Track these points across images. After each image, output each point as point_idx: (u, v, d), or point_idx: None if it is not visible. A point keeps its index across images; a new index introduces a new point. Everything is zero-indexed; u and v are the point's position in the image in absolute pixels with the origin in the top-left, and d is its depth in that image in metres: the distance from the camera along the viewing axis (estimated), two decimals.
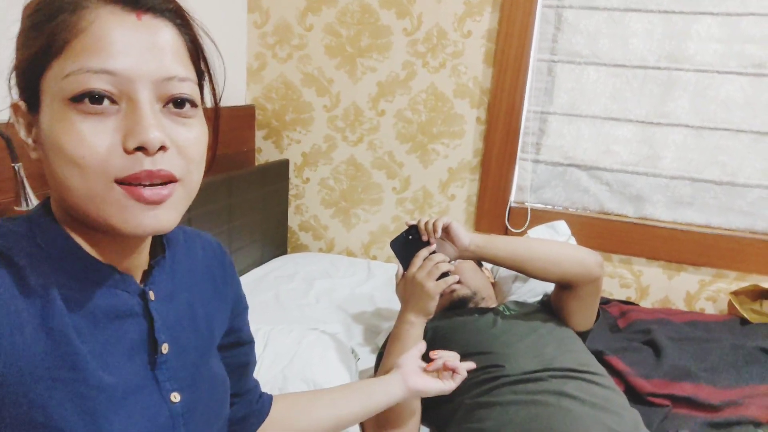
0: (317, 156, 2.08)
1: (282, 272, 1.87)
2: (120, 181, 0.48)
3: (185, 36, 0.53)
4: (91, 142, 0.47)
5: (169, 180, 0.50)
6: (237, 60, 2.03)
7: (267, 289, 1.72)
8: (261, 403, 0.82)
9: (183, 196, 0.52)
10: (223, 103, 0.60)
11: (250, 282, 1.78)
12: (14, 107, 0.52)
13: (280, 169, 2.04)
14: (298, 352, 1.22)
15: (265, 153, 2.13)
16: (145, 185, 0.49)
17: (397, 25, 1.90)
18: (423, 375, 0.97)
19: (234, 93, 2.03)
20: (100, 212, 0.49)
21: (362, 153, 2.03)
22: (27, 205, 1.06)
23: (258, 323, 1.38)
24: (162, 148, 0.49)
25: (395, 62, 1.93)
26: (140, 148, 0.48)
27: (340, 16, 1.94)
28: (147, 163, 0.48)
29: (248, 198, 1.82)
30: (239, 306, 0.76)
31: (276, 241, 2.07)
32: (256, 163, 2.13)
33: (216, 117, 0.60)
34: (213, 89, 0.58)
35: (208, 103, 0.59)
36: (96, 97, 0.47)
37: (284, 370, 1.17)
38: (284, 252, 2.13)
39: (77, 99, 0.47)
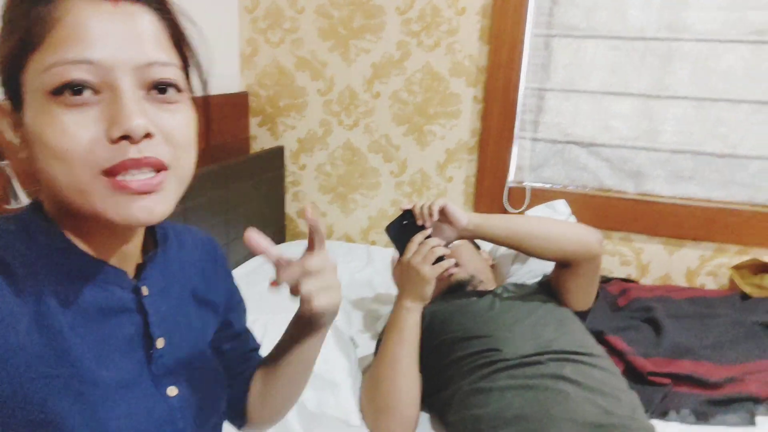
0: (313, 142, 2.06)
1: None
2: (107, 172, 0.47)
3: (165, 21, 0.51)
4: (73, 134, 0.46)
5: (157, 167, 0.49)
6: (229, 46, 2.00)
7: (265, 278, 1.69)
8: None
9: (175, 183, 0.51)
10: (217, 91, 0.59)
11: (249, 272, 1.78)
12: (1, 110, 0.51)
13: (276, 156, 2.03)
14: None
15: (260, 140, 2.11)
16: (132, 175, 0.48)
17: (389, 4, 1.86)
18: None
19: (227, 80, 2.00)
20: (89, 204, 0.48)
21: (358, 137, 2.01)
22: (16, 202, 1.05)
23: (256, 313, 1.38)
24: (147, 135, 0.48)
25: (389, 42, 1.90)
26: (125, 137, 0.47)
27: None
28: (132, 152, 0.47)
29: (244, 187, 1.81)
30: (232, 300, 0.76)
31: (274, 229, 2.06)
32: (251, 151, 2.12)
33: (206, 103, 0.59)
34: (199, 74, 0.57)
35: (199, 91, 0.57)
36: (76, 88, 0.46)
37: None
38: (282, 240, 2.13)
39: (58, 91, 0.46)
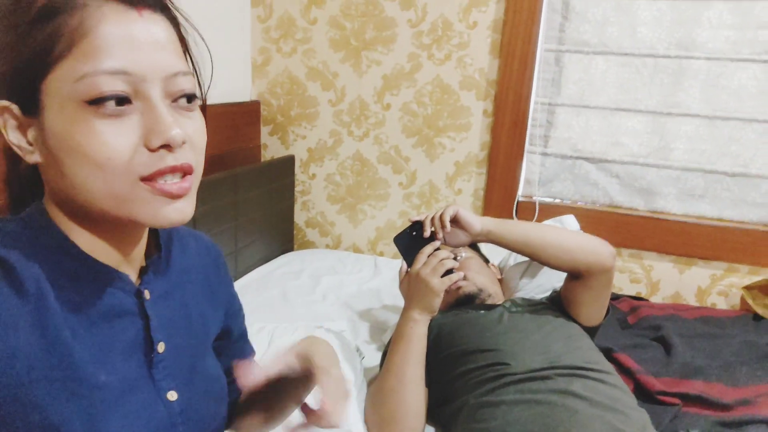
0: (323, 151, 2.07)
1: (288, 269, 1.86)
2: (145, 178, 0.49)
3: (176, 28, 0.53)
4: (115, 145, 0.47)
5: (188, 172, 0.51)
6: (241, 55, 2.02)
7: (273, 286, 1.72)
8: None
9: (196, 185, 0.54)
10: (228, 99, 0.60)
11: (257, 279, 1.78)
12: (1, 110, 0.50)
13: (286, 165, 2.03)
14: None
15: (271, 149, 2.12)
16: (166, 180, 0.50)
17: (401, 16, 1.88)
18: None
19: (239, 89, 2.02)
20: (123, 210, 0.50)
21: (368, 148, 2.02)
22: None
23: (264, 321, 1.38)
24: (183, 143, 0.50)
25: (400, 55, 1.91)
26: (163, 146, 0.49)
27: (344, 9, 1.92)
28: (170, 159, 0.49)
29: (254, 195, 1.82)
30: (233, 307, 0.76)
31: (282, 237, 2.06)
32: (262, 159, 2.12)
33: (203, 108, 0.60)
34: (198, 81, 0.58)
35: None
36: (114, 99, 0.47)
37: None
38: (291, 249, 2.13)
39: (95, 102, 0.46)
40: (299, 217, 2.16)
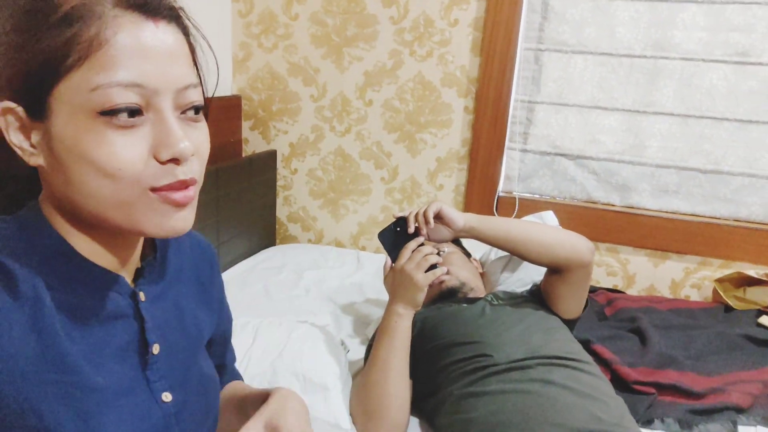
0: (305, 146, 2.07)
1: (271, 264, 1.86)
2: (154, 189, 0.49)
3: (186, 39, 0.53)
4: (126, 156, 0.47)
5: (193, 184, 0.52)
6: (222, 50, 2.01)
7: (256, 281, 1.72)
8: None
9: (197, 195, 0.54)
10: (208, 93, 0.61)
11: (239, 274, 1.77)
12: (4, 110, 0.49)
13: (268, 159, 2.03)
14: (287, 345, 1.22)
15: (252, 143, 2.11)
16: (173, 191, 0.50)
17: (383, 13, 1.89)
18: None
19: (219, 83, 2.01)
20: (129, 219, 0.50)
21: (350, 143, 2.03)
22: None
23: (247, 316, 1.38)
24: (191, 155, 0.51)
25: (382, 51, 1.92)
26: (172, 159, 0.49)
27: (325, 5, 1.92)
28: (179, 173, 0.50)
29: (236, 189, 1.81)
30: (224, 313, 0.77)
31: (264, 232, 2.06)
32: (243, 154, 2.12)
33: (205, 114, 0.60)
34: (204, 92, 0.58)
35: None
36: (128, 111, 0.47)
37: (273, 363, 1.17)
38: (273, 243, 2.13)
39: (108, 113, 0.46)
40: (281, 212, 2.16)
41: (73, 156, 0.47)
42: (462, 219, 1.15)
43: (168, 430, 0.58)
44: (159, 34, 0.48)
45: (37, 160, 0.50)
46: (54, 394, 0.48)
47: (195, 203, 0.54)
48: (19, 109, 0.49)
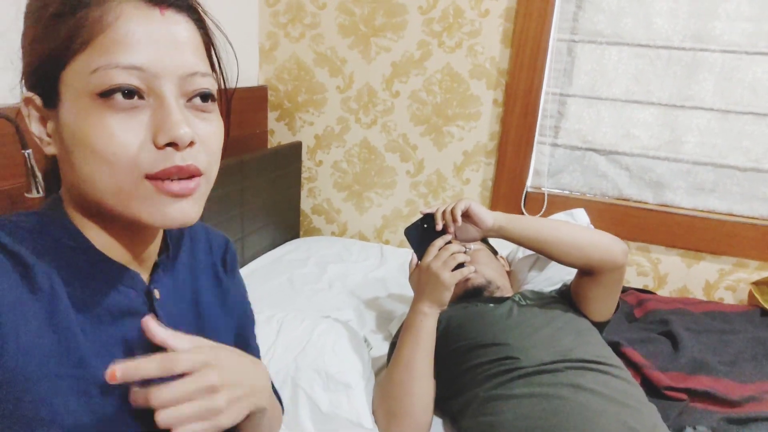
0: (330, 138, 2.05)
1: (295, 256, 1.86)
2: (150, 176, 0.48)
3: (201, 30, 0.53)
4: (122, 139, 0.47)
5: (195, 174, 0.51)
6: (249, 40, 2.00)
7: (280, 273, 1.72)
8: None
9: (205, 188, 0.53)
10: (231, 86, 0.60)
11: (264, 266, 1.77)
12: (26, 100, 0.51)
13: (293, 151, 2.02)
14: (310, 340, 1.21)
15: (278, 135, 2.10)
16: (171, 180, 0.49)
17: (412, 3, 1.85)
18: None
19: (246, 74, 2.00)
20: (126, 207, 0.49)
21: (376, 135, 2.00)
22: (38, 191, 1.05)
23: (272, 309, 1.38)
24: (191, 143, 0.49)
25: (410, 42, 1.88)
26: (170, 144, 0.48)
27: None
28: (177, 159, 0.49)
29: (261, 181, 1.81)
30: (246, 315, 0.76)
31: (288, 224, 2.05)
32: (269, 145, 2.11)
33: (227, 114, 0.60)
34: (224, 85, 0.58)
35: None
36: (126, 92, 0.47)
37: (296, 358, 1.17)
38: (296, 235, 2.12)
39: (106, 94, 0.46)
40: (305, 204, 2.15)
41: (75, 141, 0.48)
42: (491, 218, 1.12)
43: None
44: (164, 22, 0.49)
45: (51, 149, 0.52)
46: (67, 388, 0.49)
47: (199, 196, 0.52)
48: (37, 99, 0.50)
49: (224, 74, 0.58)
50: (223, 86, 0.58)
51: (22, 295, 0.47)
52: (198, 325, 0.64)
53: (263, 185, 1.82)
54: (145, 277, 0.59)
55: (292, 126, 2.08)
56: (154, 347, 0.57)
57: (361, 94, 1.98)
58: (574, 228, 1.24)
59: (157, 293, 0.59)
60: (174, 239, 0.65)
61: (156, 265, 0.61)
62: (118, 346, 0.54)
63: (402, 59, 1.90)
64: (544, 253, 1.17)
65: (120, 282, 0.55)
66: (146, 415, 0.55)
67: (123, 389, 0.53)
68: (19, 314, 0.46)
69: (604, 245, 1.14)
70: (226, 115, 0.59)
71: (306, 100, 2.04)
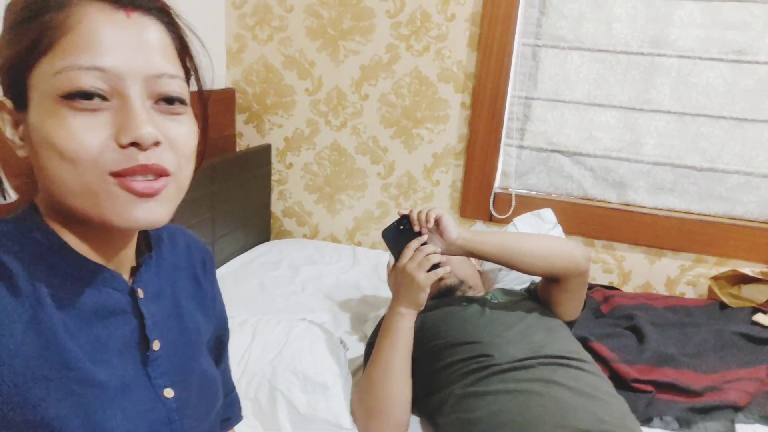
0: (300, 141, 2.05)
1: (266, 259, 1.85)
2: (114, 174, 0.48)
3: (172, 34, 0.53)
4: (82, 138, 0.47)
5: (161, 174, 0.50)
6: (215, 42, 1.98)
7: (252, 277, 1.71)
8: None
9: (174, 190, 0.53)
10: (205, 89, 0.61)
11: (235, 269, 1.76)
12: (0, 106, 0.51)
13: (262, 154, 2.01)
14: (287, 343, 1.21)
15: (247, 137, 2.09)
16: (137, 180, 0.49)
17: (379, 6, 1.86)
18: None
19: (214, 76, 1.97)
20: (92, 207, 0.49)
21: (346, 138, 2.01)
22: (4, 198, 1.02)
23: (244, 314, 1.37)
24: (156, 143, 0.49)
25: (378, 45, 1.90)
26: (134, 144, 0.48)
27: None
28: (141, 158, 0.48)
29: (230, 184, 1.79)
30: (224, 323, 0.76)
31: (259, 227, 2.04)
32: (237, 148, 2.09)
33: (204, 118, 0.59)
34: (199, 88, 0.59)
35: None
36: (87, 94, 0.47)
37: (273, 361, 1.16)
38: (267, 239, 2.11)
39: (68, 96, 0.47)
40: (276, 207, 2.14)
41: (41, 142, 0.48)
42: (455, 232, 1.14)
43: (171, 426, 0.58)
44: (130, 24, 0.49)
45: (23, 152, 0.52)
46: (56, 391, 0.48)
47: (167, 197, 0.52)
48: (8, 102, 0.51)
49: (199, 77, 0.58)
50: (198, 89, 0.58)
51: (4, 299, 0.47)
52: (180, 324, 0.65)
53: (233, 188, 1.81)
54: (126, 277, 0.59)
55: (261, 128, 2.07)
56: (145, 344, 0.58)
57: (330, 97, 1.99)
58: (536, 239, 1.28)
59: (140, 292, 0.59)
60: (155, 238, 0.65)
61: (138, 265, 0.61)
62: (107, 345, 0.54)
63: (371, 62, 1.92)
64: (508, 266, 1.20)
65: (102, 283, 0.55)
66: (145, 418, 0.56)
67: (114, 390, 0.53)
68: (2, 318, 0.46)
69: (566, 253, 1.18)
70: (203, 118, 0.59)
71: (275, 103, 2.04)
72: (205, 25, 1.90)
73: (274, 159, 2.09)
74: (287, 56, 1.98)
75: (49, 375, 0.48)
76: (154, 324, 0.59)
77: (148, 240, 0.64)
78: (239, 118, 2.07)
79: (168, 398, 0.59)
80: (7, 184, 1.05)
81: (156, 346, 0.59)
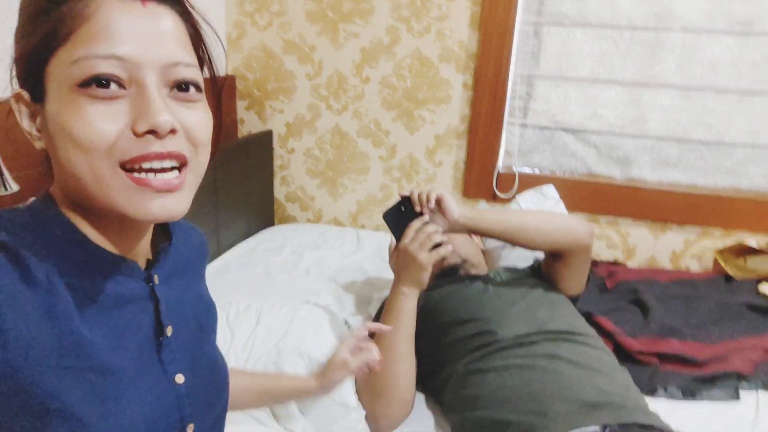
0: (301, 126, 2.05)
1: (270, 245, 1.86)
2: (127, 164, 0.48)
3: (186, 23, 0.54)
4: (99, 126, 0.47)
5: (179, 160, 0.51)
6: (215, 29, 1.97)
7: (256, 263, 1.71)
8: None
9: (192, 180, 0.54)
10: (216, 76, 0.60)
11: (239, 256, 1.77)
12: (16, 97, 0.52)
13: (264, 140, 2.01)
14: (291, 326, 1.22)
15: (248, 124, 2.09)
16: (156, 170, 0.49)
17: None
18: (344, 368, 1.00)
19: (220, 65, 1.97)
20: (107, 198, 0.49)
21: (347, 121, 2.00)
22: (6, 189, 1.03)
23: (249, 299, 1.38)
24: (172, 131, 0.50)
25: (378, 27, 1.89)
26: (150, 131, 0.48)
27: None
28: (156, 146, 0.49)
29: (233, 171, 1.80)
30: (215, 311, 0.76)
31: (263, 213, 2.05)
32: (239, 135, 2.10)
33: (218, 106, 0.60)
34: (213, 77, 0.59)
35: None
36: (104, 82, 0.47)
37: (278, 344, 1.17)
38: (271, 224, 2.12)
39: (85, 84, 0.47)
40: (279, 192, 2.14)
41: (58, 131, 0.48)
42: (457, 211, 1.14)
43: (181, 411, 0.59)
44: (146, 13, 0.49)
45: (40, 143, 0.52)
46: (72, 379, 0.49)
47: (186, 190, 0.52)
48: (25, 94, 0.51)
49: (213, 66, 0.59)
50: (210, 78, 0.59)
51: (21, 289, 0.47)
52: (189, 312, 0.66)
53: (236, 175, 1.81)
54: (142, 264, 0.60)
55: (262, 115, 2.07)
56: (160, 330, 0.59)
57: (331, 81, 1.98)
58: (539, 216, 1.27)
59: (156, 279, 0.60)
60: (172, 227, 0.66)
61: (155, 255, 0.62)
62: (122, 332, 0.55)
63: (371, 45, 1.91)
64: (512, 242, 1.20)
65: (117, 272, 0.56)
66: (157, 403, 0.56)
67: (129, 376, 0.54)
68: (19, 308, 0.46)
69: (569, 228, 1.18)
70: (217, 107, 0.59)
71: (275, 88, 2.03)
72: (205, 12, 1.89)
73: (276, 144, 2.09)
74: (287, 41, 1.97)
75: (65, 364, 0.49)
76: (168, 310, 0.60)
77: (165, 228, 0.65)
78: (240, 105, 2.07)
79: (179, 384, 0.60)
80: (7, 175, 1.06)
81: (169, 331, 0.60)
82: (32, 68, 0.50)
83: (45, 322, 0.48)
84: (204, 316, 0.70)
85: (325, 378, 0.99)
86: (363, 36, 1.91)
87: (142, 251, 0.60)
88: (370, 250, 1.83)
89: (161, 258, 0.62)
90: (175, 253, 0.65)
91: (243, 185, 1.87)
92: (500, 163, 1.91)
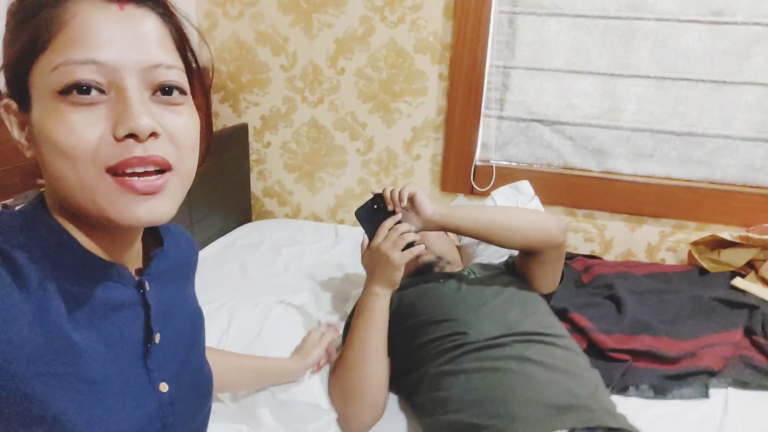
0: (277, 119, 2.02)
1: (247, 240, 1.84)
2: (111, 170, 0.48)
3: (169, 25, 0.53)
4: (81, 133, 0.47)
5: (161, 166, 0.50)
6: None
7: (232, 259, 1.70)
8: None
9: (177, 184, 0.53)
10: (203, 77, 0.60)
11: (215, 253, 1.75)
12: (5, 107, 0.52)
13: (239, 133, 1.98)
14: (264, 326, 1.21)
15: (223, 117, 2.05)
16: (139, 174, 0.49)
17: None
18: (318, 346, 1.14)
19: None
20: (93, 204, 0.49)
21: (323, 114, 1.98)
22: None
23: (224, 297, 1.37)
24: (153, 134, 0.49)
25: (352, 17, 1.85)
26: (131, 136, 0.48)
27: None
28: (138, 150, 0.48)
29: (208, 165, 1.75)
30: (202, 317, 0.76)
31: (240, 208, 2.02)
32: (214, 128, 2.06)
33: (207, 107, 0.59)
34: (200, 78, 0.58)
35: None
36: (83, 88, 0.47)
37: (251, 345, 1.16)
38: (249, 220, 2.09)
39: (65, 91, 0.47)
40: (256, 187, 2.12)
41: (42, 140, 0.48)
42: (431, 209, 1.13)
43: (163, 420, 0.59)
44: (123, 16, 0.49)
45: (30, 152, 0.52)
46: (58, 385, 0.49)
47: (171, 193, 0.52)
48: (13, 104, 0.51)
49: (199, 67, 0.58)
50: (198, 80, 0.58)
51: (12, 293, 0.47)
52: (180, 320, 0.66)
53: (210, 169, 1.78)
54: (133, 270, 0.60)
55: (236, 107, 2.04)
56: (149, 336, 0.59)
57: (305, 73, 1.95)
58: (512, 213, 1.27)
59: (147, 285, 0.59)
60: (165, 233, 0.66)
61: (149, 259, 0.62)
62: (113, 338, 0.55)
63: (345, 35, 1.88)
64: (485, 240, 1.19)
65: (108, 277, 0.56)
66: (140, 411, 0.57)
67: (115, 384, 0.54)
68: (8, 312, 0.46)
69: (542, 226, 1.17)
70: (206, 108, 0.58)
71: (249, 81, 2.00)
72: (175, 3, 1.85)
73: (251, 138, 2.06)
74: (260, 32, 1.94)
75: (53, 370, 0.49)
76: (157, 316, 0.60)
77: (156, 233, 0.65)
78: (214, 98, 2.04)
79: (162, 392, 0.60)
80: None
81: (157, 338, 0.60)
82: (17, 77, 0.50)
83: (35, 326, 0.48)
84: (193, 323, 0.70)
85: (302, 360, 1.08)
86: (337, 26, 1.87)
87: (133, 257, 0.60)
88: (349, 246, 1.82)
89: (153, 264, 0.62)
90: (167, 258, 0.65)
91: (219, 180, 1.84)
92: (477, 156, 1.90)
